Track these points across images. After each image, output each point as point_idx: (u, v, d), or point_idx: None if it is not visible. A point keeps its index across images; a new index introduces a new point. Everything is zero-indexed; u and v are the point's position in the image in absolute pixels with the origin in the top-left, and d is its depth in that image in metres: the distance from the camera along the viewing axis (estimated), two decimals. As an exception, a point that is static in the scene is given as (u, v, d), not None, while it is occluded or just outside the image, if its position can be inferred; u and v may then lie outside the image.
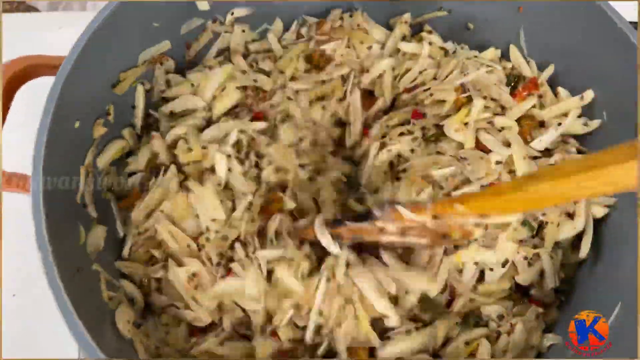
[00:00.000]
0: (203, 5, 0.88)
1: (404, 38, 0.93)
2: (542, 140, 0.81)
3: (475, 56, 0.89)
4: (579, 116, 0.83)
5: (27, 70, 0.73)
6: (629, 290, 0.66)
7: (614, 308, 0.68)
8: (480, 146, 0.80)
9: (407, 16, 0.95)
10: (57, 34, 1.03)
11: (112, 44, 0.76)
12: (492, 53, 0.91)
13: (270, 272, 0.72)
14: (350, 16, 0.94)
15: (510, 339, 0.74)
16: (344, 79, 0.90)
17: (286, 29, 0.97)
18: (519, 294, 0.79)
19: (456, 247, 0.75)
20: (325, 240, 0.71)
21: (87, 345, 0.56)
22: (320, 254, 0.74)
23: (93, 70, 0.74)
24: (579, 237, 0.79)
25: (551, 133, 0.81)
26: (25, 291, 0.92)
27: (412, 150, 0.82)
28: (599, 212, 0.78)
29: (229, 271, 0.73)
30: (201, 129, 0.82)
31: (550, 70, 0.88)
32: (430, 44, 0.91)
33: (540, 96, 0.85)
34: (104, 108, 0.79)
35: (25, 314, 0.91)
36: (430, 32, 0.94)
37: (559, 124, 0.82)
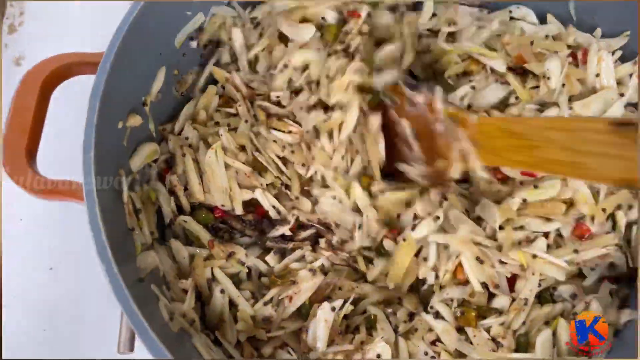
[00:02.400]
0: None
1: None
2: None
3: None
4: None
5: (63, 69, 0.69)
6: None
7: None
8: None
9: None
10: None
11: (148, 34, 0.72)
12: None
13: None
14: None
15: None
16: None
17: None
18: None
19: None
20: None
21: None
22: None
23: (132, 64, 0.70)
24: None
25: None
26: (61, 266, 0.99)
27: None
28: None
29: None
30: None
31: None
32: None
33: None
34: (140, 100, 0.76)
35: (61, 286, 0.97)
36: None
37: (621, 95, 0.78)
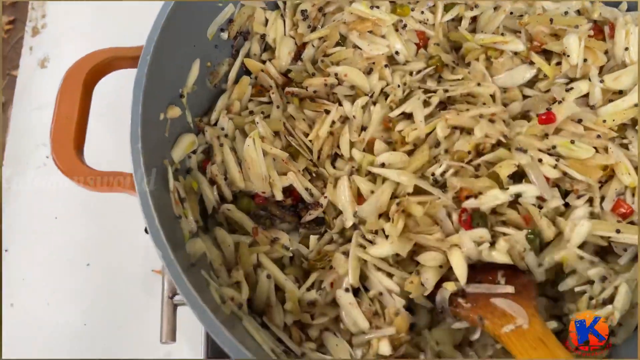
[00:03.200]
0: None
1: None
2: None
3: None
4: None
5: (103, 64, 0.71)
6: None
7: None
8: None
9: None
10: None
11: (182, 27, 0.74)
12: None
13: None
14: None
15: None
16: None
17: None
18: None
19: None
20: None
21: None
22: None
23: (169, 57, 0.71)
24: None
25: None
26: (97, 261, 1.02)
27: None
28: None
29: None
30: None
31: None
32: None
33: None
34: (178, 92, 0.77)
35: (99, 281, 1.00)
36: None
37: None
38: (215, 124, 0.83)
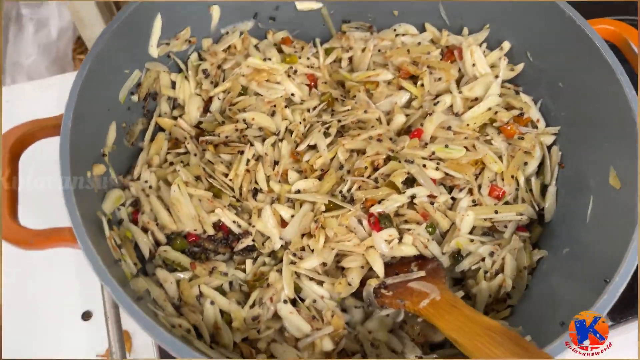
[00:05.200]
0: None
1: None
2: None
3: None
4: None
5: (26, 136, 0.76)
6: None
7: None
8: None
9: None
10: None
11: (96, 94, 0.81)
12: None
13: None
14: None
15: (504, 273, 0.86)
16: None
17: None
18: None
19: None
20: None
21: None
22: None
23: (87, 121, 0.79)
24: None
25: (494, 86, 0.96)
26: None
27: None
28: (548, 140, 0.94)
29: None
30: None
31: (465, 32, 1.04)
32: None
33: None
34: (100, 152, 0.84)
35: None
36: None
37: (496, 76, 0.97)
38: (139, 179, 0.90)
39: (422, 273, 0.83)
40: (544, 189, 0.94)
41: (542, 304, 0.83)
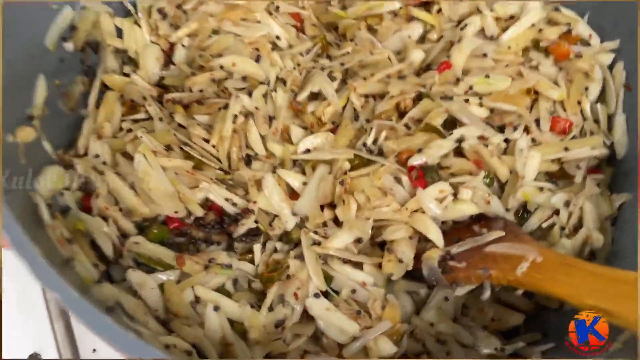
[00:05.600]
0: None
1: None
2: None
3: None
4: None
5: None
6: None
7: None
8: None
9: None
10: None
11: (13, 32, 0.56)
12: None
13: None
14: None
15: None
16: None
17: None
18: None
19: None
20: None
21: None
22: None
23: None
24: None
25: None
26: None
27: None
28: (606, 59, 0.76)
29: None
30: None
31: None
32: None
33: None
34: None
35: None
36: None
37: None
38: (86, 154, 0.64)
39: (501, 233, 0.62)
40: (609, 120, 0.75)
41: (634, 261, 0.64)
